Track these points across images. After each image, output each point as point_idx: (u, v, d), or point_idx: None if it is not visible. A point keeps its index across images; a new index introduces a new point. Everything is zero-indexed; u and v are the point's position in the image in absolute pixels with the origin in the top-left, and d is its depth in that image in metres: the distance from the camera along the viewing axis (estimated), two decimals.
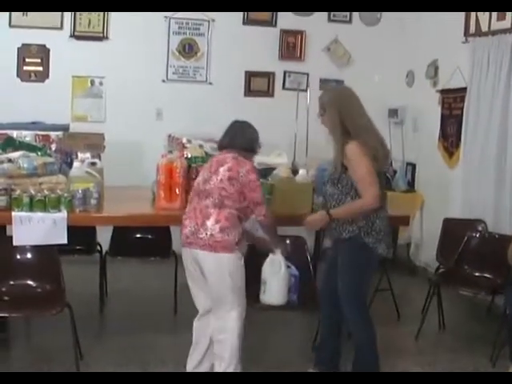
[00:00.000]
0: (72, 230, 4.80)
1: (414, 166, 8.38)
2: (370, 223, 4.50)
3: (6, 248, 4.89)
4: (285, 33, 8.46)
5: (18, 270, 4.99)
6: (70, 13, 7.83)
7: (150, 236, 6.53)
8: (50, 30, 7.82)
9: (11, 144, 5.61)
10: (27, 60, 7.87)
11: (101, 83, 8.06)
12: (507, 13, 6.50)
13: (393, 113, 8.52)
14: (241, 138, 4.64)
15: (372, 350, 4.64)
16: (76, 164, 5.27)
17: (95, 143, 6.37)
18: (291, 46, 8.49)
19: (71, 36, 7.91)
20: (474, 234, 6.21)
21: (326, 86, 8.19)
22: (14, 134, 6.14)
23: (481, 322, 6.38)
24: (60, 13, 7.81)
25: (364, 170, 4.39)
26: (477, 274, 6.01)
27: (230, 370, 4.48)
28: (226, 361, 4.49)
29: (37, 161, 5.11)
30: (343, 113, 4.47)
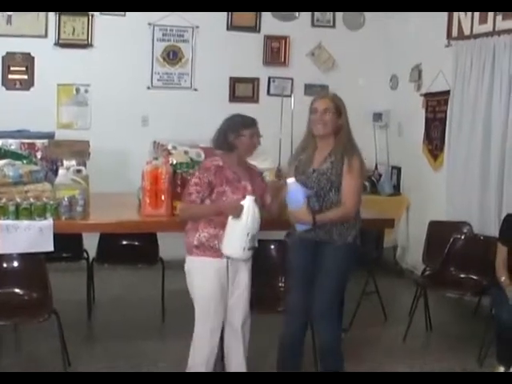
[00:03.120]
0: (58, 238, 4.80)
1: (399, 170, 8.42)
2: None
3: None
4: (269, 38, 8.48)
5: (4, 278, 4.98)
6: (54, 21, 7.82)
7: (136, 243, 6.52)
8: (35, 39, 7.81)
9: None
10: (12, 68, 7.85)
11: (86, 91, 8.05)
12: (489, 16, 6.55)
13: (377, 117, 8.57)
14: (215, 136, 4.66)
15: (341, 350, 4.72)
16: (61, 171, 5.27)
17: (81, 150, 6.36)
18: (275, 51, 8.51)
19: (56, 44, 7.90)
20: (459, 236, 6.23)
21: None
22: (0, 142, 6.14)
23: (467, 322, 6.41)
24: (44, 21, 7.80)
25: (358, 185, 4.54)
26: (463, 276, 6.05)
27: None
28: None
29: (22, 169, 5.11)
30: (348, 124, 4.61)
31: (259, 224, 4.44)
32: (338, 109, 4.55)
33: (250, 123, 4.57)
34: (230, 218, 4.37)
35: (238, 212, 4.34)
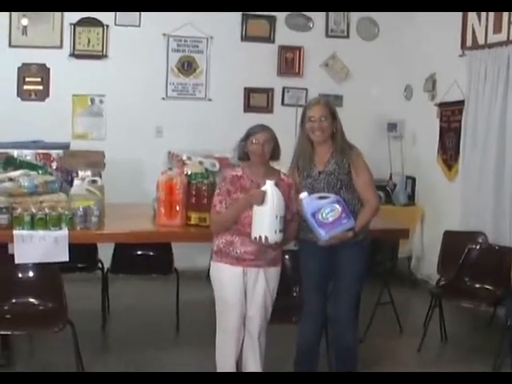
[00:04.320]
0: (73, 248, 4.83)
1: (413, 180, 8.40)
2: None
3: (7, 266, 4.91)
4: (283, 49, 8.51)
5: (19, 288, 5.00)
6: (69, 32, 7.88)
7: (151, 253, 6.52)
8: (50, 50, 7.87)
9: (12, 163, 5.64)
10: (27, 79, 7.91)
11: (101, 101, 8.10)
12: (503, 25, 6.55)
13: (392, 127, 8.55)
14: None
15: (357, 352, 4.80)
16: (76, 182, 5.29)
17: (96, 161, 6.39)
18: (289, 61, 8.53)
19: (71, 55, 7.95)
20: (474, 246, 6.21)
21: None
22: (15, 153, 6.18)
23: (482, 333, 6.38)
24: (59, 32, 7.87)
25: (370, 176, 4.67)
26: (478, 286, 6.01)
27: None
28: None
29: (37, 179, 5.13)
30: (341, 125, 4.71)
31: (285, 206, 4.43)
32: (333, 113, 4.64)
33: (254, 129, 4.58)
34: (255, 206, 4.38)
35: (261, 198, 4.34)
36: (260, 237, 4.36)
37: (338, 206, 4.41)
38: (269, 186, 4.38)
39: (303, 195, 4.45)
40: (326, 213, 4.38)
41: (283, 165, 4.84)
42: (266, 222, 4.36)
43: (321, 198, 4.46)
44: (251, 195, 4.43)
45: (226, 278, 4.54)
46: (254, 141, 4.51)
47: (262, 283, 4.58)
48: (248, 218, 4.43)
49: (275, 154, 4.61)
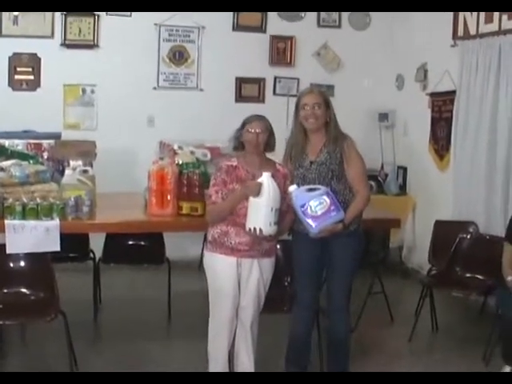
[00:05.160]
0: (65, 238, 4.82)
1: (405, 170, 8.41)
2: None
3: None
4: (274, 38, 8.49)
5: (11, 278, 5.00)
6: (60, 21, 7.85)
7: (143, 243, 6.52)
8: (41, 39, 7.83)
9: (3, 153, 5.63)
10: (18, 69, 7.87)
11: (92, 91, 8.07)
12: (494, 16, 6.55)
13: (383, 117, 8.55)
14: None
15: (349, 342, 4.84)
16: (68, 172, 5.29)
17: (87, 151, 6.38)
18: (281, 51, 8.51)
19: (62, 44, 7.92)
20: (465, 236, 6.23)
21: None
22: (6, 142, 6.16)
23: (473, 322, 6.41)
24: (50, 22, 7.83)
25: (363, 166, 4.68)
26: (468, 276, 6.04)
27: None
28: None
29: (29, 169, 5.13)
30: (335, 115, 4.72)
31: (281, 198, 4.42)
32: (327, 102, 4.65)
33: (250, 119, 4.58)
34: (250, 198, 4.37)
35: (257, 190, 4.32)
36: (254, 228, 4.35)
37: (326, 198, 4.40)
38: (265, 178, 4.36)
39: (292, 188, 4.45)
40: (314, 206, 4.37)
41: (276, 155, 4.84)
42: (261, 213, 4.35)
43: (310, 190, 4.45)
44: (247, 186, 4.42)
45: (220, 268, 4.54)
46: (249, 129, 4.51)
47: (256, 274, 4.58)
48: (243, 208, 4.42)
49: (270, 144, 4.61)
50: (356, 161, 4.62)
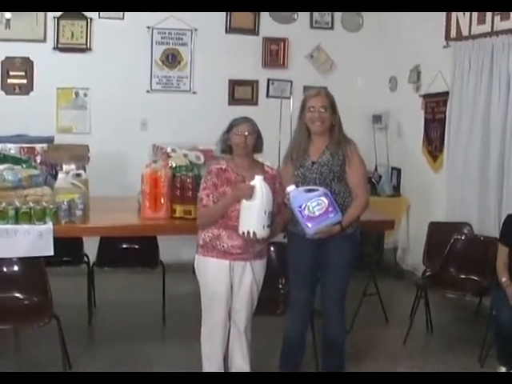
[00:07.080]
0: (59, 242, 4.82)
1: (399, 171, 8.42)
2: None
3: None
4: (267, 40, 8.48)
5: (4, 283, 4.98)
6: (52, 25, 7.83)
7: (137, 246, 6.51)
8: (34, 43, 7.80)
9: None
10: (11, 73, 7.85)
11: (85, 95, 8.05)
12: (487, 17, 6.56)
13: (377, 118, 8.56)
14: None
15: (344, 345, 4.84)
16: (61, 175, 5.27)
17: (80, 155, 6.37)
18: (274, 53, 8.51)
19: (54, 48, 7.90)
20: (459, 237, 6.23)
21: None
22: None
23: (468, 323, 6.41)
24: (43, 25, 7.80)
25: (363, 171, 4.72)
26: (463, 277, 6.05)
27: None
28: None
29: (22, 173, 5.12)
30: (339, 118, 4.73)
31: (272, 200, 4.42)
32: (333, 105, 4.65)
33: (237, 121, 4.58)
34: (243, 201, 4.37)
35: (250, 193, 4.32)
36: (248, 232, 4.35)
37: (324, 199, 4.41)
38: (258, 181, 4.36)
39: (290, 188, 4.45)
40: (312, 206, 4.38)
41: (267, 157, 4.84)
42: (254, 217, 4.36)
43: (309, 190, 4.46)
44: (239, 189, 4.42)
45: (213, 272, 4.54)
46: (236, 132, 4.51)
47: (249, 276, 4.58)
48: (235, 211, 4.42)
49: (258, 146, 4.62)
50: (358, 165, 4.64)
